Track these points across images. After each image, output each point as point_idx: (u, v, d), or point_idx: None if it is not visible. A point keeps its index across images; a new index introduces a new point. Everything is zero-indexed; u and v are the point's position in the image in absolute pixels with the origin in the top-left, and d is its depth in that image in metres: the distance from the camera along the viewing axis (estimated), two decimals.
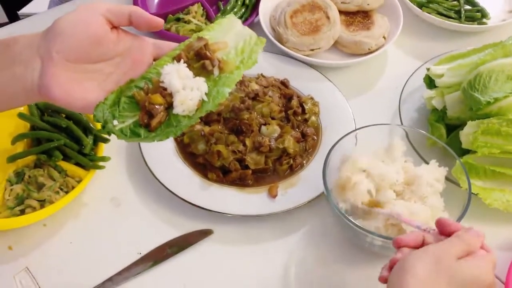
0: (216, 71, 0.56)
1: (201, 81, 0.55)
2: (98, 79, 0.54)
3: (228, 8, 1.05)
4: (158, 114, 0.54)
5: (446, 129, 0.84)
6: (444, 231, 0.59)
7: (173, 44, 0.58)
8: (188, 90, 0.54)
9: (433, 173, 0.75)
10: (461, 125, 0.82)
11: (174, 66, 0.55)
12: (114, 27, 0.54)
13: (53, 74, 0.51)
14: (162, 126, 0.54)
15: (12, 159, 0.77)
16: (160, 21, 0.55)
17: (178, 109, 0.54)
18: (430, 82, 0.87)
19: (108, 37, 0.53)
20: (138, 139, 0.54)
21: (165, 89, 0.54)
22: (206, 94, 0.54)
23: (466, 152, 0.79)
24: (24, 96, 0.53)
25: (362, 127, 0.80)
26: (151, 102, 0.54)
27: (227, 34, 0.59)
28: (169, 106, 0.54)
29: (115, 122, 0.54)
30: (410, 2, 1.04)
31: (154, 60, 0.58)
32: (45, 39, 0.52)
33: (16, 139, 0.79)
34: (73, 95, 0.52)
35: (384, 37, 0.99)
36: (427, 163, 0.78)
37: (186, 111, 0.54)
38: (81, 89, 0.53)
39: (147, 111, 0.54)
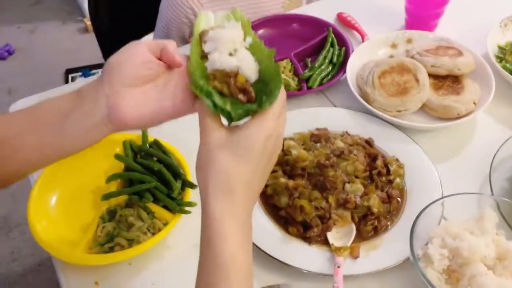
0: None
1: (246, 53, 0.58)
2: (155, 91, 0.59)
3: (316, 65, 1.08)
4: (249, 87, 0.57)
5: None
6: None
7: None
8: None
9: None
10: None
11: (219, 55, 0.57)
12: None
13: (120, 103, 0.57)
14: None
15: (107, 197, 0.81)
16: (178, 62, 0.59)
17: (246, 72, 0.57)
18: None
19: (152, 61, 0.59)
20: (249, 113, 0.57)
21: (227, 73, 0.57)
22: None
23: None
24: (96, 131, 0.59)
25: (451, 195, 0.78)
26: (238, 81, 0.56)
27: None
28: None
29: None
30: (504, 70, 1.02)
31: None
32: (104, 75, 0.59)
33: (110, 178, 0.84)
34: (139, 112, 0.58)
35: (474, 103, 0.97)
36: None
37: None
38: (146, 105, 0.58)
39: (240, 90, 0.56)
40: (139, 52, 0.58)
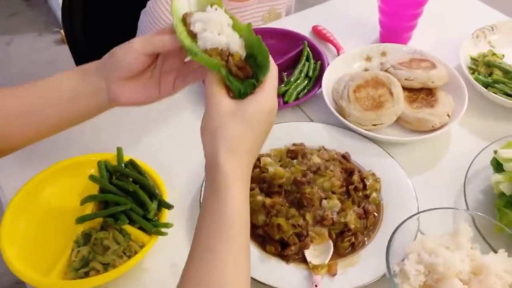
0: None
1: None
2: (146, 82, 0.73)
3: (292, 79, 1.08)
4: (245, 63, 0.64)
5: None
6: None
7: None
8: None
9: (502, 264, 0.72)
10: None
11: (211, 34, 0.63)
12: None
13: (118, 93, 0.72)
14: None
15: (81, 220, 0.80)
16: (175, 46, 0.68)
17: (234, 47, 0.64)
18: (497, 166, 0.85)
19: (142, 57, 0.70)
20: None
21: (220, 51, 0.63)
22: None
23: None
24: (99, 108, 0.75)
25: (426, 210, 0.78)
26: (235, 59, 0.63)
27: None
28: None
29: None
30: (476, 82, 1.04)
31: None
32: (105, 68, 0.72)
33: (85, 200, 0.83)
34: (135, 98, 0.74)
35: (448, 115, 0.98)
36: (495, 251, 0.75)
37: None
38: (139, 93, 0.73)
39: (238, 67, 0.63)
40: (131, 51, 0.69)
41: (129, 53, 0.69)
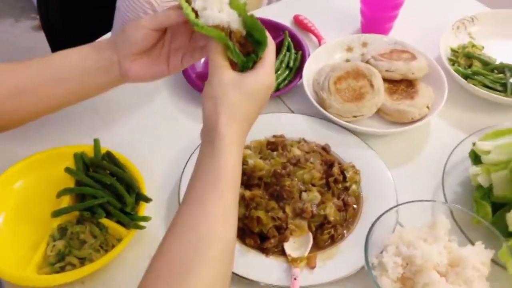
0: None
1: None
2: (156, 58, 0.78)
3: None
4: (245, 40, 0.69)
5: (492, 207, 0.81)
6: None
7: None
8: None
9: (478, 256, 0.73)
10: (507, 203, 0.80)
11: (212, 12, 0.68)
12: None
13: (129, 68, 0.76)
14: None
15: (57, 214, 0.78)
16: (181, 19, 0.73)
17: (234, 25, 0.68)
18: (475, 158, 0.86)
19: (150, 34, 0.75)
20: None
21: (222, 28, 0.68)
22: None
23: None
24: (111, 84, 0.80)
25: (405, 203, 0.79)
26: (237, 36, 0.68)
27: None
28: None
29: None
30: (456, 73, 1.04)
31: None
32: (116, 44, 0.76)
33: (61, 193, 0.81)
34: (145, 73, 0.78)
35: (428, 107, 0.99)
36: (472, 243, 0.76)
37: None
38: (150, 68, 0.78)
39: (240, 44, 0.68)
40: (139, 27, 0.74)
41: (138, 29, 0.74)
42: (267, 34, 0.68)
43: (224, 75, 0.66)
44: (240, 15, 0.68)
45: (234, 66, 0.68)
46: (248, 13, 0.68)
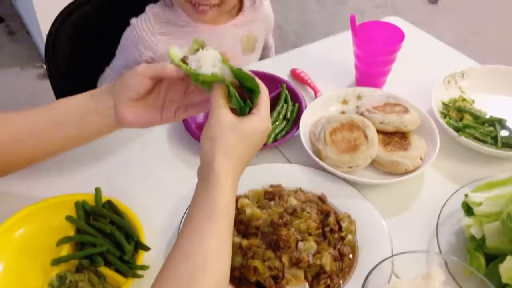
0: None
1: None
2: (151, 106, 0.81)
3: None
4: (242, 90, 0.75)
5: (485, 258, 0.83)
6: None
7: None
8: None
9: None
10: (500, 255, 0.81)
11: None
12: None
13: (125, 115, 0.79)
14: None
15: (57, 262, 0.79)
16: (178, 74, 0.77)
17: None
18: (468, 209, 0.88)
19: (146, 82, 0.78)
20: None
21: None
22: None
23: (508, 285, 0.78)
24: (107, 129, 0.82)
25: (400, 253, 0.80)
26: (233, 86, 0.73)
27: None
28: None
29: None
30: (447, 126, 1.08)
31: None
32: (113, 90, 0.80)
33: (61, 242, 0.82)
34: (139, 119, 0.81)
35: (421, 158, 1.01)
36: None
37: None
38: (144, 116, 0.81)
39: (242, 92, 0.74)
40: (136, 73, 0.77)
41: (135, 75, 0.77)
42: (259, 81, 0.73)
43: (223, 117, 0.70)
44: (230, 70, 0.73)
45: (233, 111, 0.73)
46: (235, 67, 0.74)
